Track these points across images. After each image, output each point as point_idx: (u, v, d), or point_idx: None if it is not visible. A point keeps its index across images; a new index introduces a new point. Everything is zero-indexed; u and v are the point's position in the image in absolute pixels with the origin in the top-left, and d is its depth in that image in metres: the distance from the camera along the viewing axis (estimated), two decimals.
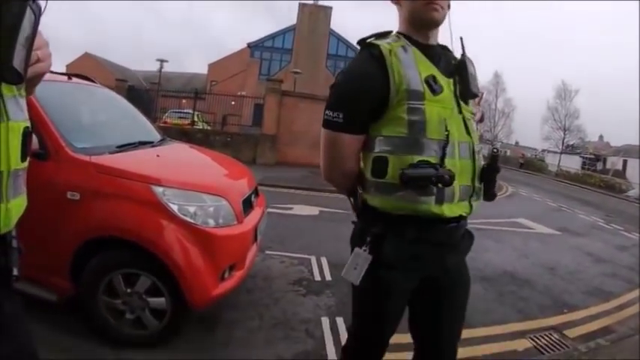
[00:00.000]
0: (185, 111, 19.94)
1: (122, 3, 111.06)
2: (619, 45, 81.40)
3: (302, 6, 31.65)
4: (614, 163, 42.41)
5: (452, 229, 1.49)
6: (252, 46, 34.31)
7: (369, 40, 1.50)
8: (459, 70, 1.54)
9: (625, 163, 41.29)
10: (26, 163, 1.15)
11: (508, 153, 53.56)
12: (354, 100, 1.45)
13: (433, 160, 1.38)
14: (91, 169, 2.84)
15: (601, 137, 53.49)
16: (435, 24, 1.51)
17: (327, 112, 1.49)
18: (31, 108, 2.95)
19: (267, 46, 34.23)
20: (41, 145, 2.81)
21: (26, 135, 1.12)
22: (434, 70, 1.47)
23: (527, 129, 79.54)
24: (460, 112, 1.50)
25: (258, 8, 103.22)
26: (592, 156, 46.92)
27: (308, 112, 15.38)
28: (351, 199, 1.63)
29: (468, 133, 1.51)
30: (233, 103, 20.45)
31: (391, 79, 1.40)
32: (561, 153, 45.79)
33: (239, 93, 23.01)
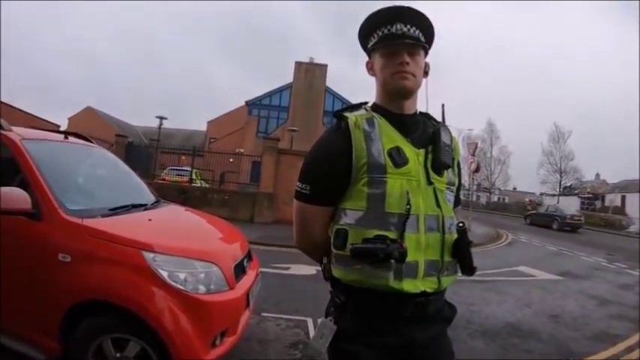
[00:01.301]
0: (184, 168, 20.05)
1: (125, 57, 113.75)
2: (610, 80, 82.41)
3: (298, 64, 32.59)
4: (613, 200, 42.50)
5: (418, 304, 1.43)
6: (250, 104, 35.00)
7: (340, 113, 1.52)
8: (432, 139, 1.53)
9: (623, 198, 41.15)
10: None
11: (507, 200, 53.56)
12: (319, 173, 1.49)
13: (391, 235, 1.36)
14: (83, 232, 2.84)
15: (597, 175, 54.23)
16: (407, 93, 1.50)
17: (297, 183, 1.53)
18: (26, 167, 3.02)
19: (264, 104, 34.92)
20: (34, 204, 2.85)
21: None
22: (400, 142, 1.46)
23: (524, 174, 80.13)
24: (430, 183, 1.47)
25: (257, 66, 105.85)
26: (590, 195, 46.95)
27: None
28: (321, 267, 1.62)
29: (439, 205, 1.47)
30: (231, 160, 20.60)
31: (353, 153, 1.42)
32: (559, 195, 46.06)
33: (237, 150, 23.25)
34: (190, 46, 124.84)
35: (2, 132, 3.35)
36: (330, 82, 33.65)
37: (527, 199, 48.33)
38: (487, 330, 5.23)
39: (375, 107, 1.55)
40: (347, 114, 1.50)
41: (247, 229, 9.08)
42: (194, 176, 18.06)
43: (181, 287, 2.76)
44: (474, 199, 45.24)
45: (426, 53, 1.56)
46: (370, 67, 1.59)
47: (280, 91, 34.74)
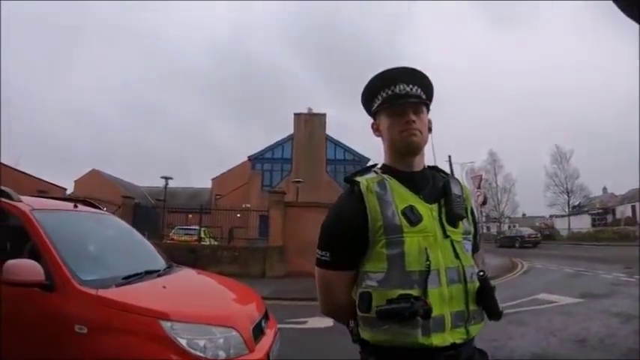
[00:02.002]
0: (192, 227, 20.06)
1: (125, 120, 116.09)
2: (605, 95, 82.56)
3: (297, 116, 33.08)
4: (623, 211, 42.04)
5: (449, 357, 1.43)
6: (253, 159, 35.29)
7: (351, 178, 1.55)
8: (443, 193, 1.56)
9: (634, 208, 40.70)
10: None
11: (517, 227, 53.11)
12: (337, 239, 1.51)
13: (415, 293, 1.37)
14: (98, 302, 2.83)
15: (605, 189, 53.40)
16: (416, 149, 1.56)
17: (317, 250, 1.56)
18: (37, 238, 3.02)
19: (267, 158, 35.19)
20: (47, 275, 2.86)
21: None
22: (413, 200, 1.49)
23: (532, 199, 79.14)
24: (447, 236, 1.49)
25: (255, 120, 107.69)
26: (600, 210, 46.42)
27: (313, 221, 15.33)
28: (349, 330, 1.61)
29: (457, 256, 1.49)
30: (239, 216, 20.61)
31: (369, 217, 1.45)
32: (569, 215, 45.53)
33: (243, 205, 23.28)
34: (189, 106, 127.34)
35: (12, 202, 3.37)
36: (330, 130, 34.06)
37: (538, 223, 47.56)
38: None
39: (385, 168, 1.60)
40: (358, 178, 1.53)
41: (260, 285, 9.00)
42: (203, 234, 18.03)
43: (201, 354, 2.72)
44: (485, 230, 44.77)
45: (428, 110, 1.61)
46: (376, 129, 1.65)
47: (282, 143, 35.07)
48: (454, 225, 1.53)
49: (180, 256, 9.32)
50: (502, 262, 18.96)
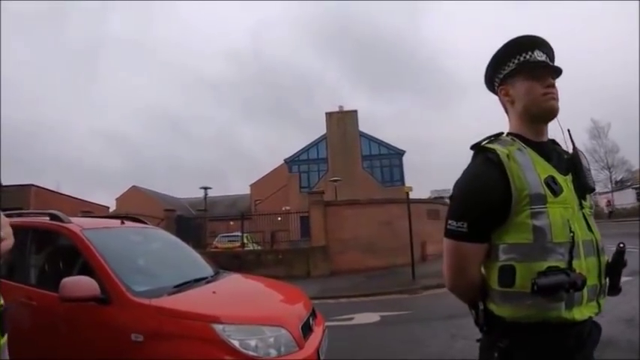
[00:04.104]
0: (234, 234, 20.35)
1: (154, 132, 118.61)
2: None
3: (329, 115, 33.07)
4: None
5: (579, 330, 1.41)
6: (289, 162, 35.50)
7: (483, 144, 1.51)
8: (573, 165, 1.52)
9: None
10: (5, 338, 1.20)
11: None
12: (477, 208, 1.43)
13: (562, 265, 1.33)
14: (153, 311, 2.95)
15: None
16: (554, 114, 1.52)
17: (450, 221, 1.48)
18: (89, 255, 3.17)
19: (302, 159, 35.35)
20: (102, 290, 3.00)
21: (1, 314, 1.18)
22: (552, 170, 1.45)
23: None
24: (581, 208, 1.47)
25: (288, 124, 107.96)
26: None
27: (353, 218, 15.58)
28: (473, 312, 1.55)
29: (590, 229, 1.46)
30: (279, 219, 20.77)
31: (512, 185, 1.39)
32: (612, 192, 43.66)
33: (283, 208, 23.51)
34: (216, 115, 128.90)
35: (63, 224, 3.55)
36: (362, 123, 33.91)
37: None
38: None
39: (513, 137, 1.54)
40: (493, 146, 1.48)
41: (305, 285, 9.07)
42: (246, 240, 18.26)
43: (253, 354, 2.80)
44: None
45: None
46: (505, 94, 1.60)
47: (316, 143, 35.17)
48: (584, 198, 1.51)
49: (224, 262, 9.50)
50: None
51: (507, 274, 1.38)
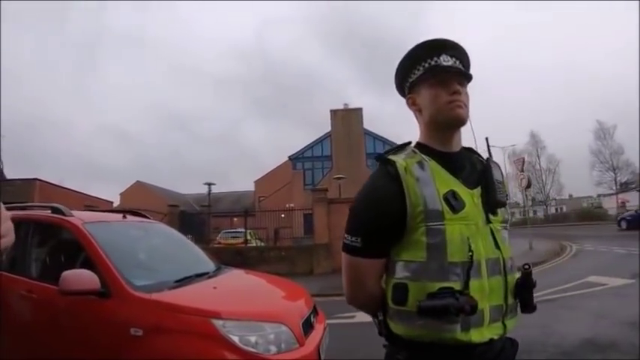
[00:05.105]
0: (237, 230, 20.35)
1: (158, 129, 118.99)
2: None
3: (334, 112, 33.00)
4: None
5: (483, 350, 1.32)
6: (293, 159, 35.45)
7: (384, 157, 1.43)
8: (484, 177, 1.44)
9: None
10: None
11: (564, 209, 51.10)
12: (371, 224, 1.37)
13: (456, 286, 1.26)
14: (153, 306, 2.95)
15: None
16: (460, 123, 1.43)
17: (345, 235, 1.42)
18: (90, 249, 3.17)
19: (307, 157, 35.28)
20: (102, 283, 2.99)
21: None
22: (455, 184, 1.37)
23: (577, 179, 76.55)
24: (489, 223, 1.39)
25: (293, 121, 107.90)
26: None
27: None
28: (375, 321, 1.50)
29: (497, 246, 1.38)
30: (283, 216, 20.78)
31: (407, 200, 1.32)
32: (617, 193, 43.61)
33: (287, 205, 23.49)
34: (221, 112, 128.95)
35: (65, 217, 3.54)
36: (367, 121, 33.84)
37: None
38: (565, 350, 4.95)
39: (420, 147, 1.46)
40: (393, 157, 1.40)
41: (308, 282, 9.06)
42: (249, 237, 18.24)
43: (253, 350, 2.78)
44: (531, 214, 43.47)
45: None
46: (412, 102, 1.52)
47: (321, 141, 35.09)
48: (494, 212, 1.43)
49: (227, 258, 9.49)
50: (549, 246, 18.42)
51: (400, 293, 1.32)
